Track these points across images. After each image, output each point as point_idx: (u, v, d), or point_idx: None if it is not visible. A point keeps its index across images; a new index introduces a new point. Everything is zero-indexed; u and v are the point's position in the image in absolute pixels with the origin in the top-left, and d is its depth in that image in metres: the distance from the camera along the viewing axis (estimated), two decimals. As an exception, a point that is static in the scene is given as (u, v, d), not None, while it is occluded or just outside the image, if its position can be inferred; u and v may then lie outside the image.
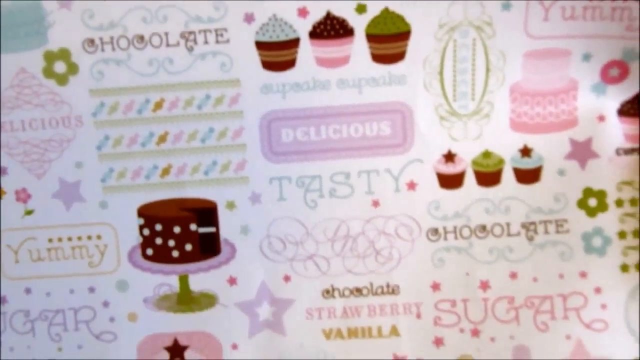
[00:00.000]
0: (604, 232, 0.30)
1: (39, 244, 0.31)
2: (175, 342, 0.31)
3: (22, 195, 0.30)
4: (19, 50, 0.29)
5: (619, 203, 0.30)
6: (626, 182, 0.30)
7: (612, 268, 0.30)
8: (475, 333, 0.31)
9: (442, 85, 0.29)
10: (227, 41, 0.29)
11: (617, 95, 0.30)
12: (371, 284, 0.31)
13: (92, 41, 0.29)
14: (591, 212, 0.30)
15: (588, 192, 0.30)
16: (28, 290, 0.31)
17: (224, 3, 0.28)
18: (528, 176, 0.30)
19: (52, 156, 0.30)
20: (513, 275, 0.30)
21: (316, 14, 0.29)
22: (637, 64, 0.29)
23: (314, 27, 0.29)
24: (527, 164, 0.30)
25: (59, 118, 0.30)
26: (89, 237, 0.31)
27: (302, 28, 0.29)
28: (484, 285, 0.30)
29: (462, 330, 0.31)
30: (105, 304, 0.31)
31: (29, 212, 0.30)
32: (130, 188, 0.30)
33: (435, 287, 0.31)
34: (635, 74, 0.29)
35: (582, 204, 0.30)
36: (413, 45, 0.29)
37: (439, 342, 0.31)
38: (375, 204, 0.30)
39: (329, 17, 0.29)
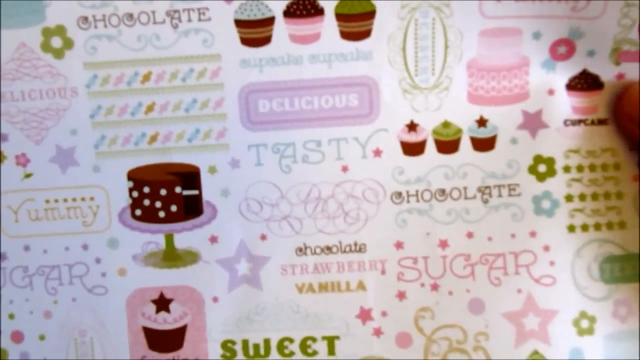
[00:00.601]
0: (552, 195, 0.32)
1: (37, 204, 0.32)
2: (161, 295, 0.33)
3: (22, 160, 0.32)
4: (19, 27, 0.31)
5: (566, 169, 0.32)
6: (573, 150, 0.32)
7: (559, 228, 0.32)
8: (435, 287, 0.32)
9: (405, 61, 0.31)
10: (209, 19, 0.31)
11: (565, 71, 0.31)
12: (340, 243, 0.33)
13: (85, 18, 0.31)
14: (541, 177, 0.32)
15: (538, 159, 0.32)
16: (27, 248, 0.33)
17: (205, -16, 0.30)
18: (484, 144, 0.32)
19: (49, 124, 0.32)
20: (469, 235, 0.32)
21: None
22: (582, 42, 0.31)
23: (288, 7, 0.31)
24: (483, 133, 0.32)
25: (56, 89, 0.32)
26: (83, 199, 0.32)
27: (277, 8, 0.31)
28: (443, 244, 0.32)
29: (422, 285, 0.32)
30: (97, 260, 0.33)
31: (28, 175, 0.32)
32: (121, 153, 0.32)
33: (399, 245, 0.32)
34: (582, 51, 0.31)
35: (532, 169, 0.32)
36: (378, 24, 0.31)
37: (401, 295, 0.32)
38: (344, 169, 0.32)
39: None
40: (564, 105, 0.32)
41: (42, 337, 0.33)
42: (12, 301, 0.33)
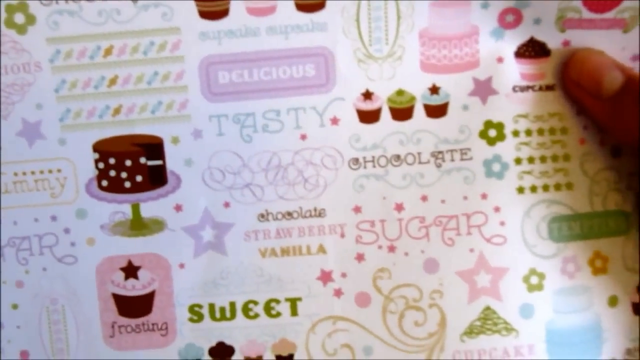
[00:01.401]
0: (502, 158, 0.33)
1: (6, 178, 0.33)
2: (129, 263, 0.34)
3: (-11, 135, 0.33)
4: None
5: (515, 133, 0.33)
6: (521, 115, 0.33)
7: (509, 190, 0.33)
8: (392, 249, 0.34)
9: (359, 31, 0.32)
10: (168, -7, 0.32)
11: (513, 39, 0.33)
12: (301, 208, 0.34)
13: (47, -6, 0.32)
14: (491, 142, 0.33)
15: (488, 124, 0.33)
16: (-3, 220, 0.34)
17: (162, -41, 0.31)
18: (436, 111, 0.33)
19: (15, 99, 0.33)
20: (424, 198, 0.33)
21: None
22: (529, 10, 0.32)
23: (244, -20, 0.32)
24: (435, 100, 0.33)
25: (20, 64, 0.32)
26: (50, 171, 0.33)
27: (234, -19, 0.32)
28: (399, 207, 0.34)
29: (380, 247, 0.34)
30: (66, 231, 0.34)
31: (-4, 149, 0.33)
32: (86, 126, 0.33)
33: (357, 210, 0.34)
34: (528, 19, 0.32)
35: (483, 134, 0.33)
36: (332, -4, 0.32)
37: (360, 257, 0.34)
38: (303, 137, 0.33)
39: None
40: (513, 72, 0.33)
41: (14, 306, 0.34)
42: (-15, 272, 0.34)
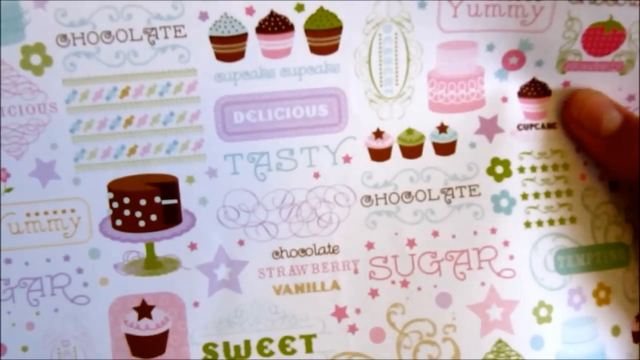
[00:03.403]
0: (509, 194, 0.34)
1: (17, 218, 0.33)
2: (143, 302, 0.34)
3: (2, 175, 0.33)
4: None
5: (521, 170, 0.35)
6: (526, 153, 0.35)
7: (517, 224, 0.34)
8: (405, 284, 0.34)
9: (370, 73, 0.33)
10: (185, 36, 0.32)
11: (517, 80, 0.34)
12: (314, 245, 0.34)
13: (64, 36, 0.32)
14: (498, 178, 0.34)
15: (495, 161, 0.34)
16: (8, 261, 0.33)
17: (181, 3, 0.32)
18: (445, 149, 0.34)
19: (29, 139, 0.33)
20: (435, 234, 0.34)
21: (261, 12, 0.32)
22: (531, 53, 0.34)
23: (260, 24, 0.32)
24: (443, 138, 0.34)
25: (35, 105, 0.32)
26: (64, 211, 0.33)
27: (250, 24, 0.32)
28: (411, 243, 0.34)
29: (393, 282, 0.34)
30: (79, 271, 0.33)
31: (8, 190, 0.33)
32: (101, 166, 0.33)
33: (370, 246, 0.34)
34: (531, 62, 0.34)
35: (490, 171, 0.34)
36: (345, 39, 0.33)
37: (374, 293, 0.34)
38: (316, 175, 0.34)
39: (273, 15, 0.32)
40: (517, 111, 0.35)
41: (24, 349, 0.34)
42: (-5, 314, 0.34)
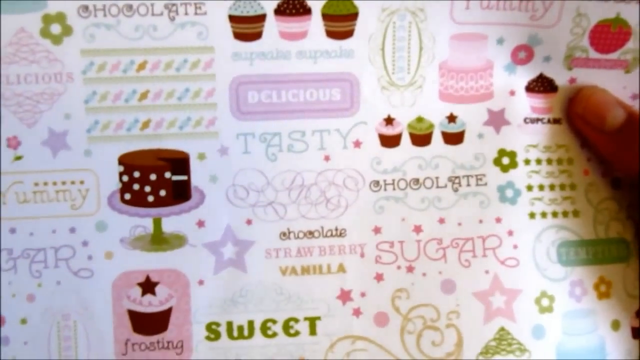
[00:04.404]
0: (515, 185, 0.35)
1: (25, 187, 0.33)
2: (147, 278, 0.33)
3: (13, 143, 0.32)
4: (19, 12, 0.32)
5: (527, 162, 0.35)
6: (532, 145, 0.35)
7: (521, 215, 0.35)
8: (410, 269, 0.35)
9: (384, 60, 0.34)
10: (205, 13, 0.33)
11: (525, 74, 0.35)
12: (322, 228, 0.34)
13: (86, 7, 0.32)
14: (504, 169, 0.35)
15: (502, 152, 0.35)
16: (13, 230, 0.33)
17: (203, -20, 0.32)
18: (453, 138, 0.35)
19: (43, 107, 0.32)
20: (441, 221, 0.35)
21: None
22: (540, 48, 0.35)
23: (279, 6, 0.33)
24: (452, 128, 0.35)
25: (52, 74, 0.32)
26: (73, 182, 0.33)
27: (269, 6, 0.33)
28: (417, 229, 0.35)
29: (399, 267, 0.34)
30: (85, 243, 0.33)
31: (18, 158, 0.33)
32: (113, 139, 0.33)
33: (377, 230, 0.35)
34: (539, 57, 0.35)
35: (497, 162, 0.35)
36: (360, 25, 0.33)
37: (379, 277, 0.34)
38: (327, 158, 0.34)
39: None
40: (524, 105, 0.35)
41: (23, 321, 0.33)
42: (-5, 284, 0.33)
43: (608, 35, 0.34)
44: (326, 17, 0.33)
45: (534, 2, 0.34)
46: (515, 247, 0.35)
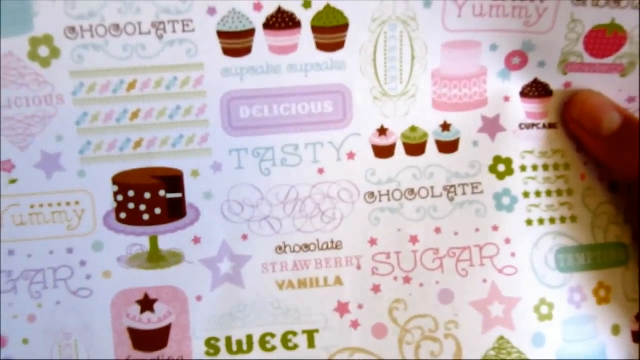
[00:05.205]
0: (511, 192, 0.35)
1: (21, 209, 0.33)
2: (146, 296, 0.34)
3: (7, 166, 0.33)
4: (6, 36, 0.31)
5: (523, 168, 0.35)
6: (528, 151, 0.35)
7: (518, 222, 0.35)
8: (407, 280, 0.34)
9: (376, 71, 0.34)
10: (193, 30, 0.32)
11: (519, 80, 0.35)
12: (318, 241, 0.34)
13: (73, 29, 0.32)
14: (500, 176, 0.35)
15: (497, 160, 0.35)
16: (11, 252, 0.33)
17: (190, -3, 0.32)
18: (448, 147, 0.35)
19: (35, 130, 0.33)
20: (437, 230, 0.35)
21: (269, 9, 0.32)
22: (534, 54, 0.34)
23: (267, 20, 0.33)
24: (447, 136, 0.35)
25: (42, 96, 0.32)
26: (68, 203, 0.33)
27: (257, 20, 0.32)
28: (413, 240, 0.35)
29: (395, 279, 0.34)
30: (82, 263, 0.33)
31: (12, 181, 0.33)
32: (106, 159, 0.33)
33: (373, 242, 0.34)
34: (533, 62, 0.34)
35: (492, 169, 0.35)
36: (351, 36, 0.33)
37: (376, 289, 0.34)
38: (321, 171, 0.34)
39: (280, 11, 0.33)
40: (519, 110, 0.35)
41: (25, 341, 0.33)
42: (-4, 306, 0.33)
43: (603, 41, 0.33)
44: (316, 29, 0.33)
45: (527, 9, 0.33)
46: (513, 255, 0.35)
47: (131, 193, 0.33)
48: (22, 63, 0.32)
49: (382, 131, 0.34)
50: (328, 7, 0.33)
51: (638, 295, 0.36)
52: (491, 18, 0.34)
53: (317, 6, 0.33)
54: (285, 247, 0.34)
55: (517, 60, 0.34)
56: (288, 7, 0.33)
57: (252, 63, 0.33)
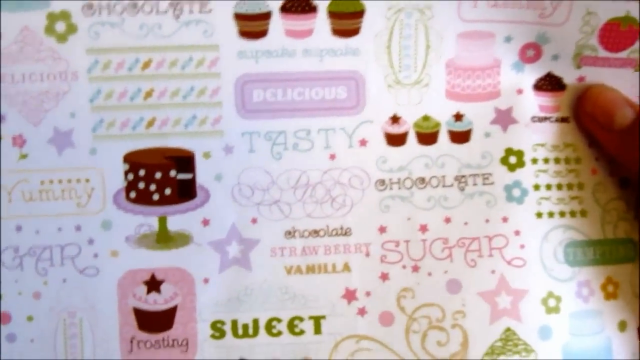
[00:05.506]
0: (522, 184, 0.35)
1: (31, 185, 0.33)
2: (153, 276, 0.33)
3: (18, 141, 0.33)
4: (23, 11, 0.32)
5: (534, 161, 0.35)
6: (539, 144, 0.35)
7: (528, 214, 0.35)
8: (416, 269, 0.34)
9: (390, 58, 0.34)
10: (210, 11, 0.32)
11: (533, 73, 0.35)
12: (327, 227, 0.34)
13: (90, 6, 0.32)
14: (511, 168, 0.35)
15: (509, 151, 0.35)
16: (19, 228, 0.33)
17: (208, -22, 0.32)
18: (460, 137, 0.35)
19: (48, 106, 0.33)
20: (447, 220, 0.35)
21: None
22: (549, 46, 0.34)
23: (284, 4, 0.33)
24: (459, 127, 0.35)
25: (57, 72, 0.32)
26: (78, 180, 0.33)
27: (274, 4, 0.33)
28: (423, 228, 0.35)
29: (404, 267, 0.34)
30: (90, 242, 0.33)
31: (23, 156, 0.33)
32: (118, 137, 0.33)
33: (382, 229, 0.34)
34: (547, 55, 0.35)
35: (504, 161, 0.35)
36: (366, 23, 0.33)
37: (384, 276, 0.34)
38: (332, 157, 0.34)
39: None
40: (532, 103, 0.35)
41: (30, 318, 0.33)
42: (1, 282, 0.33)
43: (617, 34, 0.34)
44: (332, 14, 0.33)
45: (542, 1, 0.33)
46: (522, 247, 0.35)
47: (142, 172, 0.33)
48: (38, 38, 0.32)
49: (395, 119, 0.34)
50: (345, -7, 0.33)
51: (646, 292, 0.36)
52: (506, 9, 0.34)
53: (334, -8, 0.33)
54: (294, 232, 0.34)
55: (531, 52, 0.35)
56: (305, -9, 0.33)
57: (267, 46, 0.33)
